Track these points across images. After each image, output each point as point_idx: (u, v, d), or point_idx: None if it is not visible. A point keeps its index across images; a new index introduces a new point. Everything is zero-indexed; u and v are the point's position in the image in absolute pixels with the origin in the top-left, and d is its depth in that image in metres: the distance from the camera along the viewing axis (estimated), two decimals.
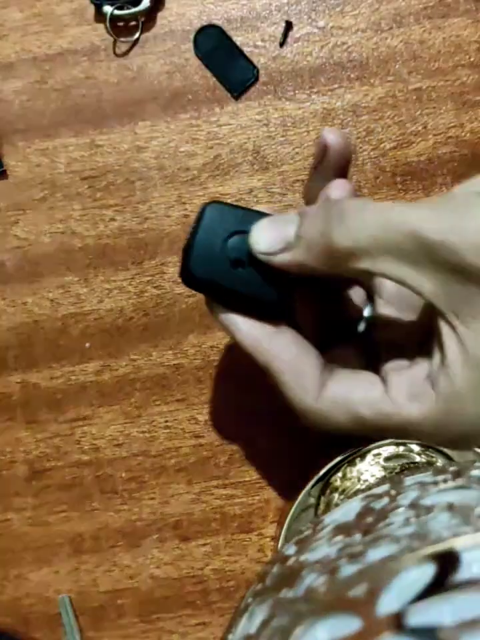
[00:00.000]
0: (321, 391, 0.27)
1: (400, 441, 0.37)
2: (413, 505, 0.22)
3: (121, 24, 0.41)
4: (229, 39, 0.40)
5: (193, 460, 0.40)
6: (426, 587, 0.17)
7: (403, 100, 0.40)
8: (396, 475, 0.36)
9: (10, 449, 0.41)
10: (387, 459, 0.37)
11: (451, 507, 0.20)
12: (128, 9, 0.40)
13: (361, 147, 0.40)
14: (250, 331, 0.28)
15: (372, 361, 0.30)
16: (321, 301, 0.31)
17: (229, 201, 0.40)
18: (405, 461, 0.37)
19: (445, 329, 0.25)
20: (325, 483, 0.37)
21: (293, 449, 0.40)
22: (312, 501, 0.37)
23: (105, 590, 0.41)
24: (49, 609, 0.41)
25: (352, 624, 0.16)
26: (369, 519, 0.22)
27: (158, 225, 0.40)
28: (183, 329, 0.40)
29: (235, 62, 0.40)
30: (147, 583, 0.41)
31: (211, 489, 0.40)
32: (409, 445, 0.37)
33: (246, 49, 0.41)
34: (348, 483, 0.37)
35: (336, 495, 0.37)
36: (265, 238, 0.27)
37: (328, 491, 0.37)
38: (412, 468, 0.37)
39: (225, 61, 0.40)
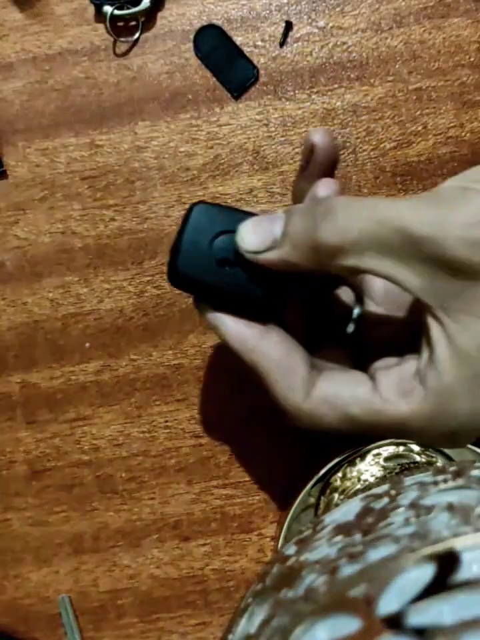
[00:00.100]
0: (310, 390, 0.27)
1: (400, 440, 0.37)
2: (413, 505, 0.22)
3: (120, 24, 0.41)
4: (229, 39, 0.40)
5: (192, 460, 0.40)
6: (426, 587, 0.17)
7: (403, 100, 0.40)
8: (396, 475, 0.36)
9: (10, 449, 0.41)
10: (387, 459, 0.37)
11: (451, 507, 0.20)
12: (128, 9, 0.40)
13: (360, 147, 0.40)
14: (237, 330, 0.28)
15: (361, 362, 0.30)
16: (309, 302, 0.31)
17: (228, 201, 0.40)
18: (405, 460, 0.37)
19: (432, 324, 0.25)
20: (325, 483, 0.37)
21: (293, 449, 0.40)
22: (312, 500, 0.37)
23: (105, 590, 0.41)
24: (49, 609, 0.41)
25: (352, 624, 0.16)
26: (369, 519, 0.22)
27: (158, 225, 0.40)
28: (183, 328, 0.40)
29: (235, 62, 0.40)
30: (147, 583, 0.41)
31: (211, 489, 0.40)
32: (409, 445, 0.37)
33: (246, 49, 0.41)
34: (348, 483, 0.37)
35: (336, 495, 0.37)
36: (252, 236, 0.27)
37: (328, 491, 0.37)
38: (412, 468, 0.37)
39: (225, 60, 0.40)
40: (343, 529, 0.22)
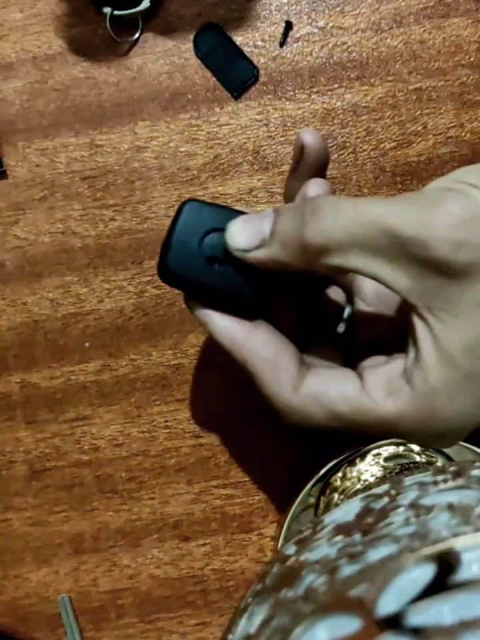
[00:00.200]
0: (298, 387, 0.27)
1: (400, 440, 0.37)
2: (413, 505, 0.22)
3: (120, 24, 0.41)
4: (229, 39, 0.40)
5: (192, 460, 0.40)
6: (426, 587, 0.17)
7: (403, 100, 0.40)
8: (396, 475, 0.36)
9: (10, 449, 0.41)
10: (387, 459, 0.37)
11: (451, 507, 0.20)
12: (128, 9, 0.40)
13: (360, 147, 0.40)
14: (226, 327, 0.28)
15: (351, 361, 0.30)
16: (300, 302, 0.31)
17: (228, 201, 0.40)
18: (405, 460, 0.37)
19: (418, 324, 0.25)
20: (325, 483, 0.37)
21: (292, 449, 0.40)
22: (312, 500, 0.37)
23: (105, 590, 0.41)
24: (49, 609, 0.41)
25: (352, 624, 0.16)
26: (369, 519, 0.22)
27: (158, 225, 0.40)
28: (183, 328, 0.40)
29: (235, 62, 0.40)
30: (147, 583, 0.41)
31: (211, 489, 0.40)
32: (408, 444, 0.37)
33: (246, 49, 0.41)
34: (348, 483, 0.37)
35: (336, 495, 0.37)
36: (241, 234, 0.28)
37: (328, 491, 0.37)
38: (412, 468, 0.37)
39: (225, 61, 0.40)
40: (343, 528, 0.22)
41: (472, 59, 0.40)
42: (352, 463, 0.37)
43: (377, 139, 0.40)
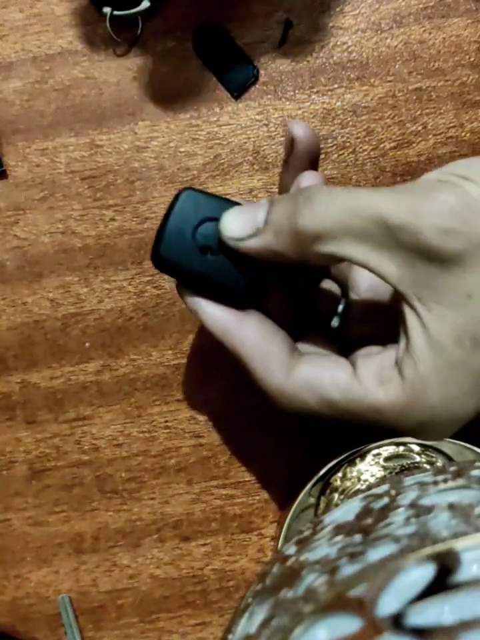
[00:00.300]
0: (290, 372, 0.27)
1: (400, 440, 0.37)
2: (413, 505, 0.22)
3: (120, 24, 0.41)
4: (229, 38, 0.40)
5: (193, 460, 0.40)
6: (426, 587, 0.17)
7: (403, 100, 0.40)
8: (396, 475, 0.36)
9: (10, 449, 0.41)
10: (387, 459, 0.37)
11: (451, 507, 0.20)
12: (128, 9, 0.40)
13: (360, 147, 0.40)
14: (216, 315, 0.29)
15: (345, 355, 0.30)
16: (294, 296, 0.32)
17: None
18: (405, 460, 0.37)
19: (408, 313, 0.25)
20: (325, 483, 0.37)
21: (293, 449, 0.40)
22: (312, 500, 0.37)
23: (105, 590, 0.41)
24: (49, 609, 0.41)
25: (352, 624, 0.17)
26: (369, 519, 0.22)
27: (158, 225, 0.40)
28: (183, 328, 0.40)
29: (235, 62, 0.40)
30: (147, 583, 0.41)
31: (211, 489, 0.40)
32: (408, 444, 0.37)
33: (246, 49, 0.40)
34: (348, 483, 0.37)
35: (336, 495, 0.37)
36: (235, 223, 0.28)
37: (328, 491, 0.37)
38: (412, 468, 0.37)
39: (225, 60, 0.40)
40: (343, 528, 0.22)
41: (472, 59, 0.40)
42: (352, 463, 0.37)
43: (377, 139, 0.40)
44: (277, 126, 0.40)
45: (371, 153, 0.40)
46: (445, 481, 0.23)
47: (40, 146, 0.41)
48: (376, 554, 0.19)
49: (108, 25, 0.40)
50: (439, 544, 0.18)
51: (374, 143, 0.40)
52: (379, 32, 0.40)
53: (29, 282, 0.41)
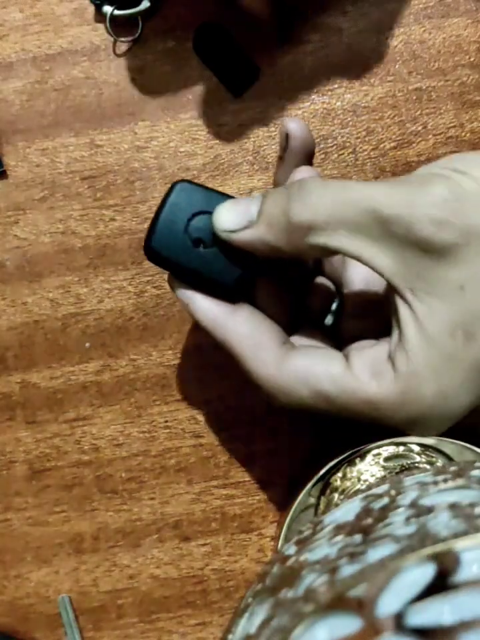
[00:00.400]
0: (282, 364, 0.27)
1: (400, 440, 0.37)
2: (413, 505, 0.22)
3: (120, 24, 0.41)
4: (229, 38, 0.40)
5: (193, 460, 0.40)
6: (426, 587, 0.17)
7: (403, 100, 0.40)
8: (396, 475, 0.36)
9: (10, 449, 0.41)
10: (387, 459, 0.37)
11: (451, 507, 0.20)
12: (128, 9, 0.40)
13: (360, 147, 0.40)
14: (207, 308, 0.29)
15: (339, 350, 0.30)
16: (288, 293, 0.32)
17: None
18: (405, 461, 0.37)
19: (401, 306, 0.25)
20: (325, 483, 0.37)
21: (292, 449, 0.40)
22: (312, 500, 0.37)
23: (105, 590, 0.41)
24: (49, 609, 0.41)
25: (352, 624, 0.17)
26: (369, 519, 0.22)
27: None
28: (183, 328, 0.40)
29: (235, 62, 0.40)
30: (147, 583, 0.41)
31: (211, 489, 0.40)
32: (408, 445, 0.37)
33: (246, 49, 0.40)
34: (348, 483, 0.37)
35: (336, 495, 0.37)
36: (228, 215, 0.28)
37: (328, 491, 0.37)
38: (412, 468, 0.37)
39: (225, 60, 0.40)
40: (343, 529, 0.22)
41: (472, 59, 0.40)
42: (352, 463, 0.37)
43: (377, 139, 0.40)
44: (276, 126, 0.40)
45: (371, 153, 0.40)
46: (445, 481, 0.23)
47: (40, 146, 0.41)
48: (376, 554, 0.19)
49: (108, 24, 0.40)
50: (439, 544, 0.18)
51: (374, 143, 0.40)
52: (379, 32, 0.40)
53: (29, 282, 0.41)
